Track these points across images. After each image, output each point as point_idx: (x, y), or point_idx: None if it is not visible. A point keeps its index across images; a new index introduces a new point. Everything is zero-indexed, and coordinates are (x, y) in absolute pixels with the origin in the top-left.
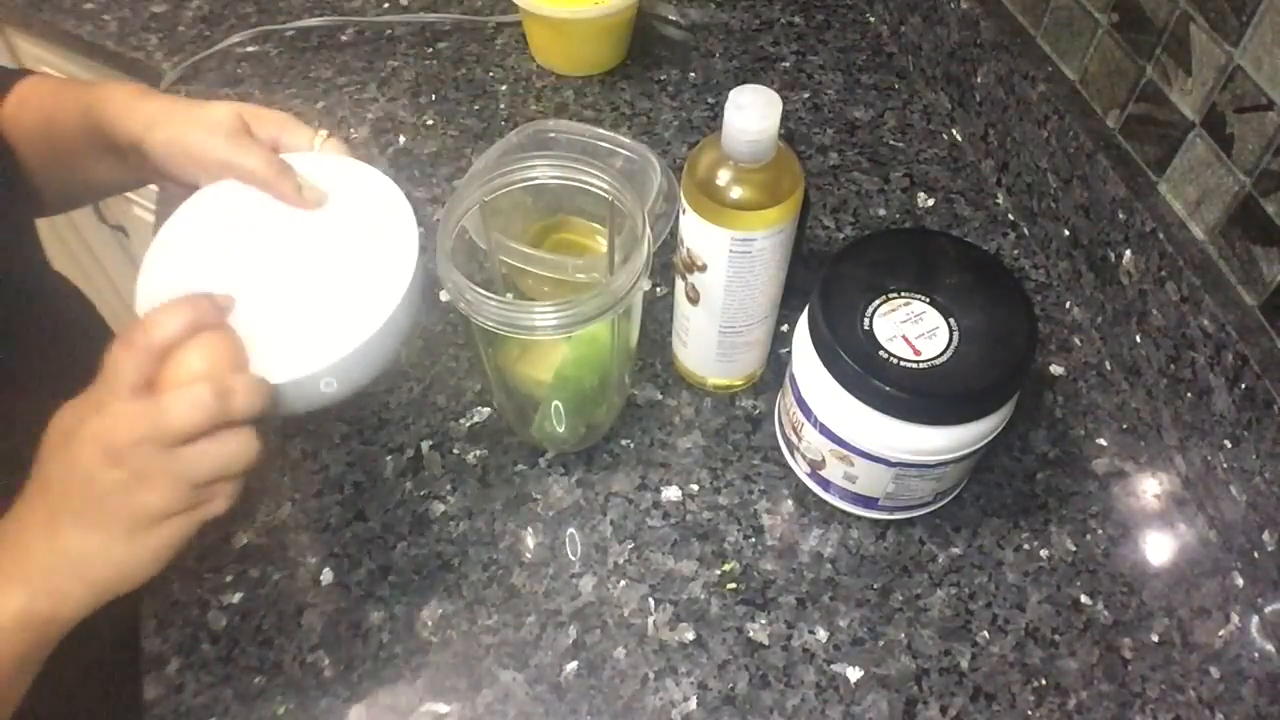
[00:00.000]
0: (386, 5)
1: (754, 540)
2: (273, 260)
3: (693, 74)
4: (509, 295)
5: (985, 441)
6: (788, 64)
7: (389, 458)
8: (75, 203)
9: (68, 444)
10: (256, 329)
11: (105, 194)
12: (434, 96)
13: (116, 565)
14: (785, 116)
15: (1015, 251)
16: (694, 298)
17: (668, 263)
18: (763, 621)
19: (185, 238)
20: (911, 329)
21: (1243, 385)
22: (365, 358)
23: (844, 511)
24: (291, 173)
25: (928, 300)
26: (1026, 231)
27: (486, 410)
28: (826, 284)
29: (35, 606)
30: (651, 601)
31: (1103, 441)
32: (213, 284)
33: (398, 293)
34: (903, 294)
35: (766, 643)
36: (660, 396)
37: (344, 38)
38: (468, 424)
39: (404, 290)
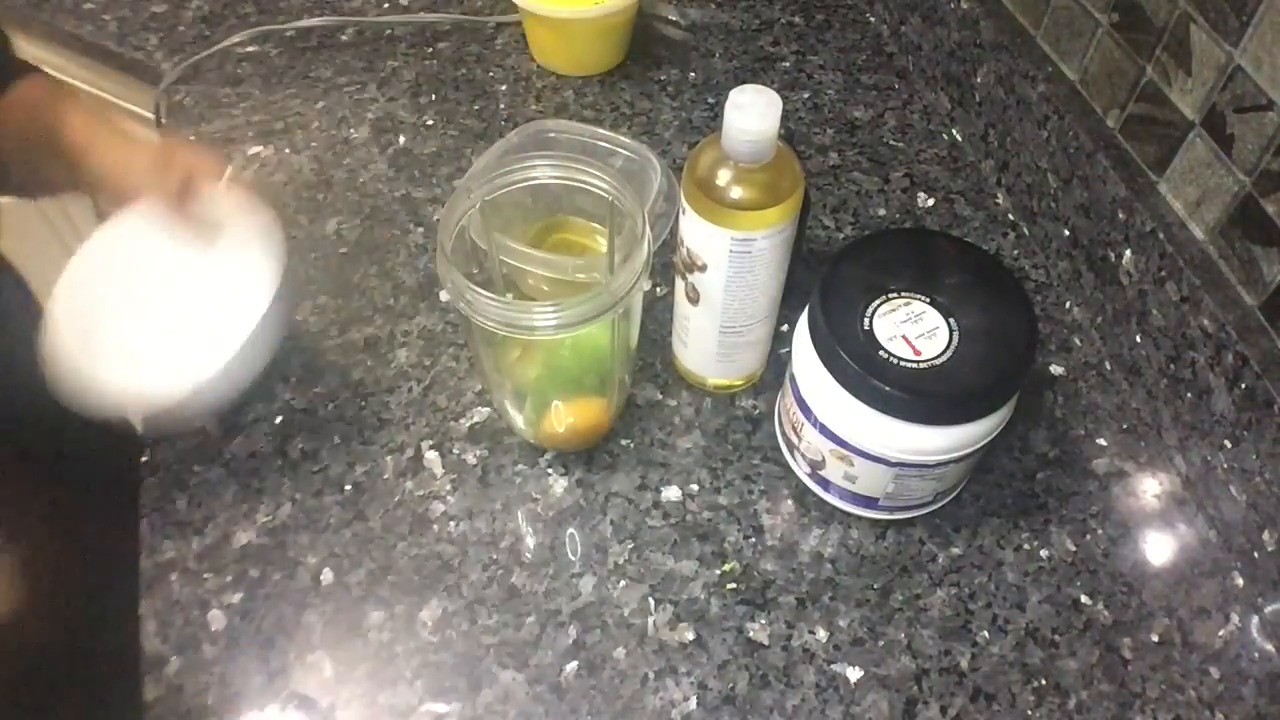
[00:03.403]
0: (386, 5)
1: (754, 540)
2: (160, 284)
3: (693, 74)
4: (509, 295)
5: (985, 441)
6: (788, 64)
7: (389, 458)
8: (30, 194)
9: None
10: (135, 346)
11: (56, 193)
12: (434, 96)
13: None
14: (785, 116)
15: (1015, 251)
16: (694, 298)
17: (668, 263)
18: (763, 621)
19: (103, 251)
20: (911, 329)
21: (1243, 385)
22: (222, 380)
23: (844, 511)
24: (192, 214)
25: (928, 300)
26: (1026, 231)
27: (486, 410)
28: (826, 284)
29: None
30: (651, 601)
31: (1103, 441)
32: (112, 296)
33: (247, 328)
34: (903, 294)
35: (766, 643)
36: (660, 396)
37: (344, 38)
38: (468, 424)
39: (253, 325)
